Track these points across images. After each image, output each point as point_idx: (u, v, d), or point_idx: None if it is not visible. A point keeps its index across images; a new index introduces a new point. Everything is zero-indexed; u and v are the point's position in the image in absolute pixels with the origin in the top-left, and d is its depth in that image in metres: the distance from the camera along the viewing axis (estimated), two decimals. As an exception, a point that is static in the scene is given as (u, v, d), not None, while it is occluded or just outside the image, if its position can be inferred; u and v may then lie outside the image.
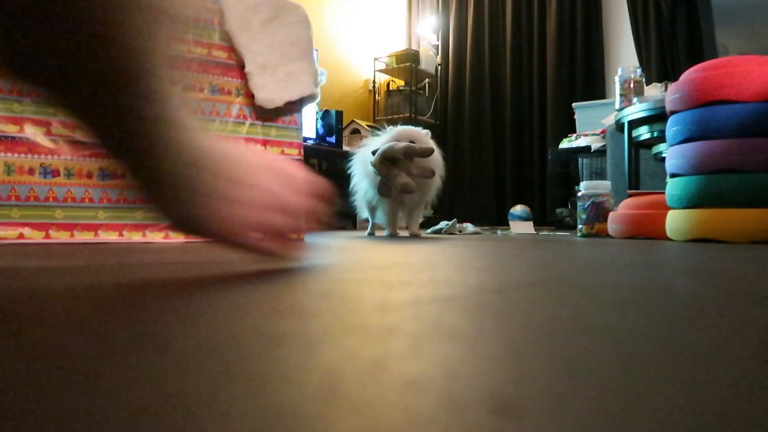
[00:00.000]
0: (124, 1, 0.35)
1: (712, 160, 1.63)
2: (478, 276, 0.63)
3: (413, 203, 2.01)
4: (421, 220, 2.18)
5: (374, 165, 1.80)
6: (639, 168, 2.69)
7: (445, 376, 0.22)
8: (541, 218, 4.01)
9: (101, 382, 0.22)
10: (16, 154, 1.29)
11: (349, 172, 2.09)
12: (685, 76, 1.79)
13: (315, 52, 1.70)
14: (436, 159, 1.95)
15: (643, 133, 2.56)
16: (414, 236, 1.98)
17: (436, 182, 2.00)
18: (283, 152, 1.63)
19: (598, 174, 3.44)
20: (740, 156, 1.59)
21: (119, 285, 0.54)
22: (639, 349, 0.28)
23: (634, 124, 2.59)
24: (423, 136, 1.95)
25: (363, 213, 2.13)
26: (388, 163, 1.79)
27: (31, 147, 1.31)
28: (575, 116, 3.73)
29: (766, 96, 1.59)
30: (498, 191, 4.76)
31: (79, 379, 0.22)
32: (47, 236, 1.31)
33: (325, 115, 3.82)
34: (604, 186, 2.21)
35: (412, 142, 1.87)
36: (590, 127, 3.54)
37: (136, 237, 1.41)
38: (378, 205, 2.03)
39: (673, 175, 1.79)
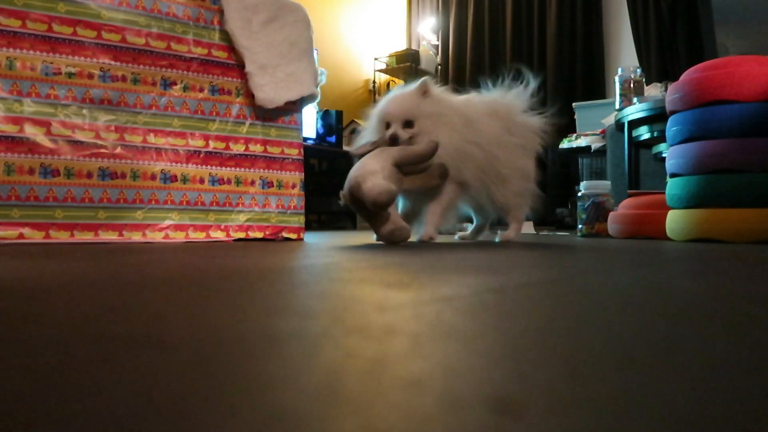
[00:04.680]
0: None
1: (712, 160, 1.63)
2: (478, 276, 0.63)
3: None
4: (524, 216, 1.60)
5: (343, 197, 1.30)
6: (639, 168, 2.69)
7: (445, 376, 0.22)
8: (541, 218, 4.01)
9: (101, 382, 0.22)
10: (16, 154, 1.29)
11: None
12: (685, 76, 1.79)
13: (315, 52, 1.70)
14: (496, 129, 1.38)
15: (643, 133, 2.56)
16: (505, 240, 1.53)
17: (500, 150, 1.43)
18: (283, 152, 1.64)
19: (598, 174, 3.44)
20: (740, 156, 1.59)
21: (119, 285, 0.54)
22: (639, 349, 0.28)
23: (634, 124, 2.59)
24: (420, 103, 1.37)
25: None
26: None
27: (31, 147, 1.31)
28: (575, 116, 3.74)
29: (766, 96, 1.59)
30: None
31: (79, 379, 0.22)
32: (47, 236, 1.31)
33: (325, 115, 3.82)
34: (604, 186, 2.21)
35: (408, 122, 1.36)
36: (590, 127, 3.54)
37: (136, 237, 1.41)
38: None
39: (673, 175, 1.79)
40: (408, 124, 1.36)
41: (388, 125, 1.37)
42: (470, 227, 1.71)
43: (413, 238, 1.42)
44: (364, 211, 1.27)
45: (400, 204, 1.48)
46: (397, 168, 1.27)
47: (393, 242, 1.25)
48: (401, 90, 1.43)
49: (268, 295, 0.47)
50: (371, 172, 1.21)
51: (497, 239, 1.56)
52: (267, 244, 1.42)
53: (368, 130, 1.46)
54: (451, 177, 1.38)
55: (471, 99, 1.49)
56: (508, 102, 1.51)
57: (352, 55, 4.73)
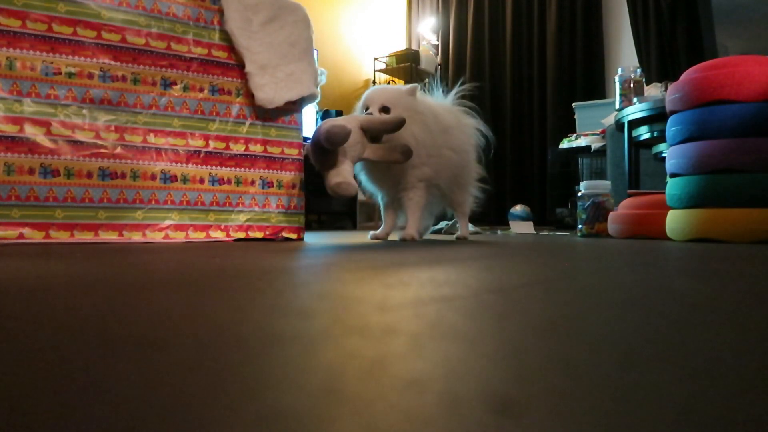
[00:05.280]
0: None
1: (712, 160, 1.63)
2: (478, 276, 0.63)
3: (449, 186, 1.65)
4: (470, 206, 1.78)
5: (307, 154, 1.47)
6: (639, 168, 2.69)
7: (445, 376, 0.22)
8: (541, 218, 4.01)
9: (101, 382, 0.22)
10: (16, 154, 1.29)
11: None
12: (685, 76, 1.79)
13: (315, 52, 1.70)
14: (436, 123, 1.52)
15: (643, 133, 2.56)
16: (462, 239, 1.70)
17: (467, 157, 1.64)
18: (283, 152, 1.64)
19: (598, 174, 3.44)
20: (740, 156, 1.59)
21: (119, 285, 0.54)
22: (639, 349, 0.28)
23: (634, 124, 2.59)
24: (402, 96, 1.51)
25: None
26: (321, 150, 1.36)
27: (31, 147, 1.31)
28: (575, 116, 3.74)
29: (766, 96, 1.59)
30: (498, 191, 4.76)
31: (79, 379, 0.22)
32: (47, 236, 1.31)
33: (325, 115, 3.82)
34: (604, 186, 2.21)
35: (385, 108, 1.49)
36: (590, 127, 3.54)
37: (136, 237, 1.41)
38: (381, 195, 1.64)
39: (673, 175, 1.79)
40: (385, 110, 1.49)
41: (368, 109, 1.52)
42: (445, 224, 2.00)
43: (393, 237, 1.62)
44: (321, 159, 1.36)
45: (380, 198, 1.66)
46: (363, 132, 1.41)
47: (337, 195, 1.33)
48: (390, 85, 1.68)
49: (268, 295, 0.47)
50: (334, 120, 1.37)
51: (455, 237, 1.79)
52: (267, 244, 1.42)
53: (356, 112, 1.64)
54: (427, 177, 1.54)
55: (441, 106, 1.65)
56: (461, 112, 1.70)
57: (352, 55, 4.73)
